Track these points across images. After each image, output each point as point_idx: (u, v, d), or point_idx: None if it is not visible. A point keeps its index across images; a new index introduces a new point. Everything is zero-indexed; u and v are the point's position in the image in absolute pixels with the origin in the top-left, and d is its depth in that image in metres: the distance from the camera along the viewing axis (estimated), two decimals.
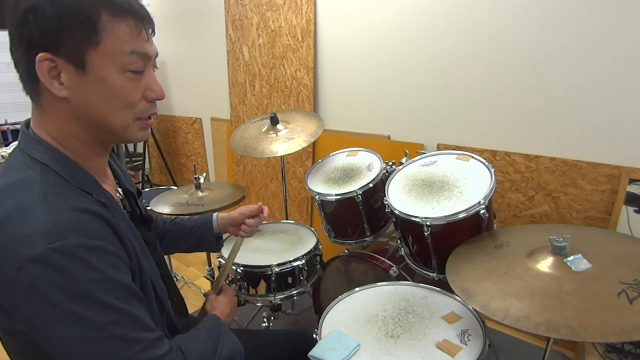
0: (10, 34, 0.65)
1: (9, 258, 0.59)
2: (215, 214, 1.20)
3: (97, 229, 0.66)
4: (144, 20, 0.69)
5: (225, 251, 1.52)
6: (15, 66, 0.68)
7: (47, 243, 0.59)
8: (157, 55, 0.74)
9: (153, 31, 0.72)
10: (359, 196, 1.48)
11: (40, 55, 0.63)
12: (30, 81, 0.66)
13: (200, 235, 1.17)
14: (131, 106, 0.70)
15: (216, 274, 1.68)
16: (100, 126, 0.71)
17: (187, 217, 1.20)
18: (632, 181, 1.45)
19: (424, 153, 1.47)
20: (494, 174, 1.24)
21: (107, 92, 0.67)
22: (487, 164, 1.29)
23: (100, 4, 0.64)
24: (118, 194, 0.83)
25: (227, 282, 1.57)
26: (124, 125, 0.71)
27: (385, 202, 1.32)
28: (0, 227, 0.61)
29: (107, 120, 0.70)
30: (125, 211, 0.82)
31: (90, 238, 0.63)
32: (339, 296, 1.18)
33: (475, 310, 1.05)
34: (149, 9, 0.71)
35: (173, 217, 1.20)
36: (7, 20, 0.65)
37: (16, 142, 0.74)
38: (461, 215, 1.17)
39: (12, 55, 0.67)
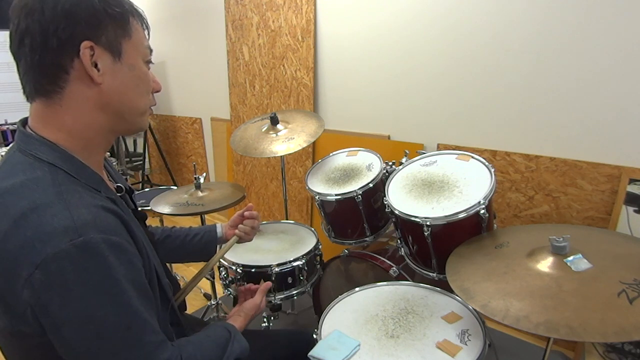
0: (38, 26, 0.64)
1: (26, 257, 0.59)
2: (219, 223, 1.22)
3: (113, 225, 0.66)
4: (148, 26, 0.79)
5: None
6: (36, 62, 0.66)
7: (69, 240, 0.59)
8: None
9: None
10: (359, 196, 1.48)
11: (84, 42, 0.66)
12: (59, 73, 0.66)
13: (203, 242, 1.17)
14: (149, 93, 0.79)
15: (216, 273, 1.68)
16: (123, 112, 0.74)
17: (188, 227, 1.20)
18: (632, 181, 1.45)
19: (424, 153, 1.47)
20: (494, 174, 1.24)
21: (136, 78, 0.74)
22: (487, 164, 1.29)
23: (126, 4, 0.72)
24: (116, 191, 0.84)
25: (227, 282, 1.57)
26: (143, 111, 0.78)
27: (385, 202, 1.32)
28: (16, 228, 0.60)
29: (133, 104, 0.75)
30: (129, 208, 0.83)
31: (110, 234, 0.64)
32: (339, 296, 1.18)
33: (475, 310, 1.05)
34: (148, 9, 0.77)
35: (171, 226, 1.20)
36: (34, 16, 0.64)
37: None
38: (461, 215, 1.17)
39: (35, 50, 0.65)
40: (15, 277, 0.59)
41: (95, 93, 0.70)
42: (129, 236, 0.70)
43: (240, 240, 1.20)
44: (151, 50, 0.79)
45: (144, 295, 0.70)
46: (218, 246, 1.21)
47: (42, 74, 0.67)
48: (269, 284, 1.17)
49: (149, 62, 0.78)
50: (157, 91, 0.82)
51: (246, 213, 1.22)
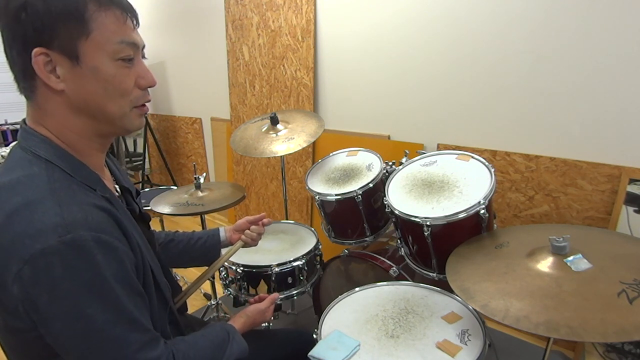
0: (3, 34, 0.66)
1: (16, 252, 0.60)
2: (222, 227, 1.21)
3: (105, 223, 0.66)
4: (127, 10, 0.70)
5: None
6: (10, 66, 0.68)
7: (58, 236, 0.60)
8: (144, 47, 0.76)
9: (137, 22, 0.74)
10: (359, 196, 1.48)
11: (35, 50, 0.64)
12: (27, 78, 0.67)
13: (206, 246, 1.17)
14: (125, 94, 0.72)
15: (216, 273, 1.68)
16: (98, 116, 0.72)
17: (191, 231, 1.20)
18: (632, 181, 1.45)
19: (424, 153, 1.47)
20: (494, 174, 1.24)
21: (102, 82, 0.69)
22: (487, 164, 1.29)
23: None
24: (116, 192, 0.84)
25: (227, 282, 1.57)
26: (120, 114, 0.73)
27: (385, 202, 1.32)
28: (9, 223, 0.61)
29: (104, 110, 0.71)
30: (126, 208, 0.83)
31: (100, 232, 0.64)
32: (339, 296, 1.18)
33: (475, 310, 1.05)
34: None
35: (174, 231, 1.20)
36: (1, 18, 0.65)
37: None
38: (461, 215, 1.16)
39: (6, 55, 0.67)
40: (6, 272, 0.60)
41: (63, 98, 0.68)
42: (122, 235, 0.70)
43: (245, 246, 1.20)
44: (135, 44, 0.71)
45: (134, 293, 0.70)
46: (222, 250, 1.21)
47: (17, 76, 0.68)
48: (276, 295, 1.16)
49: (126, 58, 0.70)
50: (149, 86, 0.75)
51: (265, 220, 1.21)
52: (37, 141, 0.69)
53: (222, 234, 1.20)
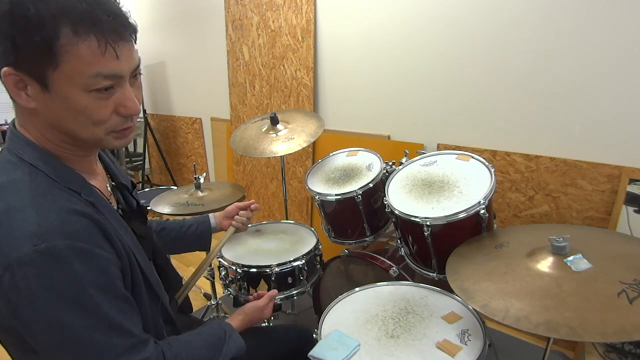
0: None
1: None
2: (211, 214, 1.24)
3: (83, 230, 0.65)
4: (111, 36, 0.62)
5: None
6: None
7: (33, 245, 0.60)
8: (138, 66, 0.69)
9: (135, 38, 0.67)
10: (359, 196, 1.48)
11: (4, 69, 0.62)
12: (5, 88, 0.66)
13: (198, 233, 1.20)
14: (99, 123, 0.67)
15: (216, 274, 1.69)
16: (72, 137, 0.70)
17: (181, 218, 1.23)
18: (632, 181, 1.45)
19: (424, 153, 1.47)
20: (494, 174, 1.24)
21: (72, 110, 0.65)
22: (487, 164, 1.29)
23: (60, 19, 0.59)
24: (108, 189, 0.83)
25: (227, 282, 1.57)
26: (95, 139, 0.70)
27: (385, 202, 1.32)
28: None
29: (76, 135, 0.69)
30: (116, 207, 0.82)
31: (76, 240, 0.63)
32: (339, 296, 1.18)
33: (475, 310, 1.05)
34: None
35: (165, 219, 1.22)
36: None
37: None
38: (461, 215, 1.16)
39: None
40: None
41: (37, 113, 0.67)
42: (105, 240, 0.68)
43: (237, 231, 1.25)
44: (115, 75, 0.64)
45: (117, 298, 0.69)
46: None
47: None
48: (275, 291, 1.17)
49: (102, 89, 0.64)
50: (130, 115, 0.69)
51: (253, 206, 1.27)
52: (22, 144, 0.69)
53: (212, 220, 1.24)
